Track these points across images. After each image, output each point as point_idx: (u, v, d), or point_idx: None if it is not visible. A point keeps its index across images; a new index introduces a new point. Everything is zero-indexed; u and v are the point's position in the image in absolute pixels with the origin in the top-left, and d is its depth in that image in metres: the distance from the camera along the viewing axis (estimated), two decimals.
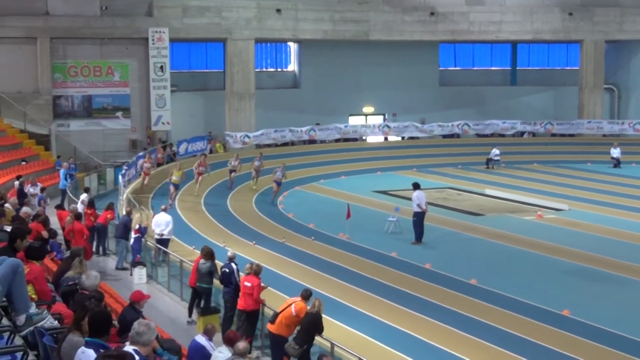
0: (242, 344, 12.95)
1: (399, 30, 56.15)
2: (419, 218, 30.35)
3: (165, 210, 27.79)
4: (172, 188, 35.42)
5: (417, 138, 59.21)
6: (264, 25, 52.83)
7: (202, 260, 20.15)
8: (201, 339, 14.38)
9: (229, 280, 19.19)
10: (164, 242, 25.68)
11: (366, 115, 61.10)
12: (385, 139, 59.30)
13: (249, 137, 52.83)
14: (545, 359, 18.29)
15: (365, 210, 36.10)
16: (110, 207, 28.68)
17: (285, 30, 53.87)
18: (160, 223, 26.15)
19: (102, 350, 7.79)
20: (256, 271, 18.25)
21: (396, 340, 19.56)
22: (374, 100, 60.00)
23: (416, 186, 31.13)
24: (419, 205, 30.14)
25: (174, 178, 35.26)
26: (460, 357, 18.42)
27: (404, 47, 58.70)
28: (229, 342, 13.55)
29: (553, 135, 61.73)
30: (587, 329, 20.35)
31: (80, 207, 28.14)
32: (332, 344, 15.26)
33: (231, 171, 40.72)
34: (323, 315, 16.19)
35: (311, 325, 15.77)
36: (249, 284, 18.03)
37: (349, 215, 30.92)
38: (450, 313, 21.76)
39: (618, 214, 36.61)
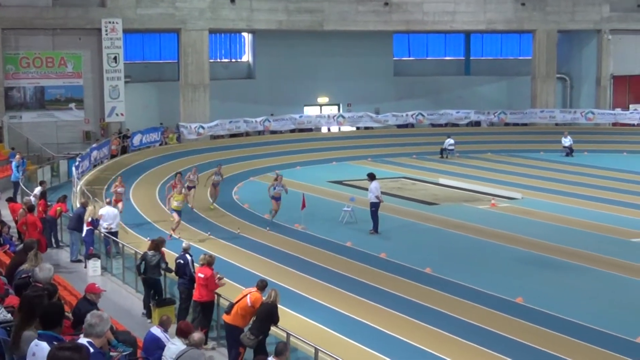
0: (197, 335, 12.99)
1: (353, 21, 56.43)
2: (376, 208, 30.73)
3: (115, 201, 27.91)
4: (174, 216, 28.72)
5: (372, 128, 59.65)
6: (218, 16, 52.91)
7: (150, 252, 20.10)
8: (156, 331, 14.39)
9: (184, 272, 19.16)
10: (112, 234, 25.55)
11: (321, 105, 61.34)
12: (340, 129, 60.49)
13: (203, 128, 52.76)
14: (500, 346, 18.53)
15: (320, 201, 36.18)
16: (62, 200, 28.32)
17: (240, 21, 53.92)
18: (108, 217, 26.00)
19: (55, 343, 7.70)
20: (209, 262, 18.24)
21: (352, 330, 19.69)
22: (329, 90, 60.26)
23: (372, 177, 31.46)
24: (377, 197, 30.51)
25: (175, 204, 28.79)
26: (415, 345, 18.64)
27: (359, 37, 58.96)
28: (182, 333, 13.58)
29: (506, 124, 62.24)
30: (540, 316, 20.61)
31: (33, 200, 27.58)
32: (288, 334, 15.30)
33: (190, 187, 33.78)
34: (279, 306, 16.17)
35: (267, 315, 15.82)
36: (202, 275, 18.05)
37: (304, 206, 30.98)
38: (405, 302, 21.93)
39: (571, 202, 37.12)
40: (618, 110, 63.52)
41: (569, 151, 53.63)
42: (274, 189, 31.18)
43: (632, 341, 18.73)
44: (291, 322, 17.99)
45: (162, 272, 20.37)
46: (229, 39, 59.55)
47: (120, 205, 29.70)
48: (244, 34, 59.33)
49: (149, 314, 19.99)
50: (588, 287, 23.72)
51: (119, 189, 31.10)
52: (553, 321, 20.24)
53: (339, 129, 60.41)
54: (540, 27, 60.50)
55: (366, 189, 32.23)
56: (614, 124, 62.91)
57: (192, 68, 52.24)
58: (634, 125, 61.95)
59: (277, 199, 31.23)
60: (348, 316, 20.81)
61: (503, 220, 33.41)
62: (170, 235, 27.23)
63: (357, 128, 60.37)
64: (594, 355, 18.35)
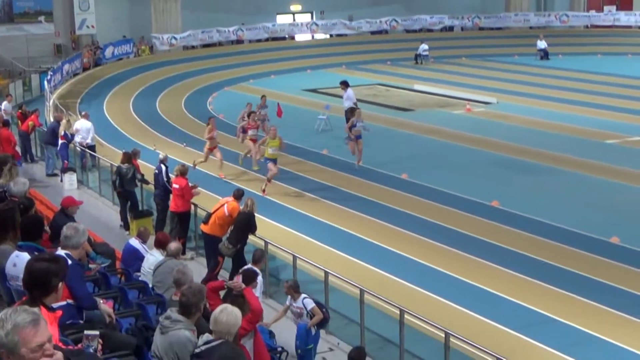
0: (173, 245, 13.07)
1: None
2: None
3: (86, 117, 26.94)
4: (270, 166, 23.02)
5: (345, 35, 59.64)
6: None
7: (124, 166, 20.20)
8: (135, 242, 14.52)
9: (159, 182, 19.40)
10: (89, 148, 25.57)
11: (294, 13, 60.94)
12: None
13: (175, 39, 52.43)
14: (475, 249, 18.83)
15: (295, 109, 36.19)
16: (33, 113, 28.06)
17: None
18: (83, 131, 25.84)
19: (36, 253, 7.78)
20: (182, 172, 18.38)
21: (328, 236, 19.95)
22: None
23: (346, 84, 31.41)
24: (355, 104, 30.44)
25: (270, 151, 23.05)
26: (390, 249, 18.91)
27: None
28: (159, 244, 13.69)
29: (481, 29, 62.35)
30: (516, 219, 20.98)
31: (4, 115, 27.66)
32: (266, 242, 15.47)
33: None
34: (256, 214, 16.38)
35: (244, 224, 15.98)
36: (177, 186, 18.20)
37: (280, 114, 31.05)
38: (380, 207, 22.23)
39: (546, 105, 37.44)
40: (592, 12, 63.90)
41: (544, 54, 53.86)
42: (354, 126, 25.41)
43: (607, 241, 19.02)
44: (269, 231, 18.15)
45: (138, 183, 20.47)
46: None
47: (218, 153, 24.78)
48: None
49: (126, 226, 20.16)
50: (563, 189, 24.09)
51: (214, 133, 25.19)
52: (529, 224, 20.48)
53: (313, 36, 60.12)
54: None
55: (341, 97, 32.33)
56: (588, 26, 63.11)
57: None
58: (608, 26, 62.17)
59: (358, 137, 25.57)
60: (325, 223, 21.06)
61: (478, 124, 33.71)
62: (265, 190, 22.24)
63: (331, 36, 60.15)
64: (569, 256, 18.58)
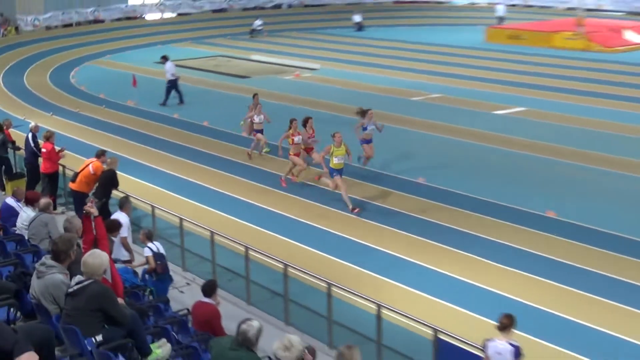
0: (43, 201, 12.79)
1: None
2: (171, 85, 30.28)
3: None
4: (332, 177, 17.05)
5: (190, 14, 58.57)
6: None
7: None
8: (10, 201, 14.18)
9: (29, 148, 18.97)
10: None
11: None
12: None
13: (39, 20, 50.45)
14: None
15: (148, 79, 35.50)
16: None
17: None
18: None
19: None
20: (47, 137, 18.07)
21: (183, 189, 19.82)
22: None
23: (165, 58, 31.17)
24: (172, 74, 30.24)
25: (335, 161, 16.90)
26: (236, 197, 18.91)
27: None
28: (29, 201, 13.41)
29: (305, 6, 62.22)
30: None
31: None
32: (127, 196, 15.02)
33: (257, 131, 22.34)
34: (117, 172, 16.21)
35: (108, 180, 15.86)
36: (45, 150, 17.97)
37: (134, 84, 30.59)
38: (222, 160, 22.15)
39: (362, 69, 38.10)
40: None
41: (359, 27, 54.26)
42: (364, 129, 19.89)
43: (403, 179, 19.66)
44: (130, 186, 17.99)
45: (10, 149, 19.94)
46: None
47: (316, 155, 19.11)
48: None
49: (2, 187, 19.62)
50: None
51: (296, 138, 18.96)
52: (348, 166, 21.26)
53: (161, 15, 58.83)
54: None
55: (188, 67, 32.25)
56: (395, 2, 63.88)
57: None
58: (411, 2, 63.02)
59: (368, 141, 20.07)
60: (179, 177, 20.94)
61: (305, 88, 33.97)
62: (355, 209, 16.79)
63: (178, 14, 59.04)
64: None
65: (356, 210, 17.06)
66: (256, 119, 21.73)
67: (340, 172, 17.40)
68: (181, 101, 30.94)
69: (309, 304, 12.92)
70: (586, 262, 14.63)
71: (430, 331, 10.15)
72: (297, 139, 19.31)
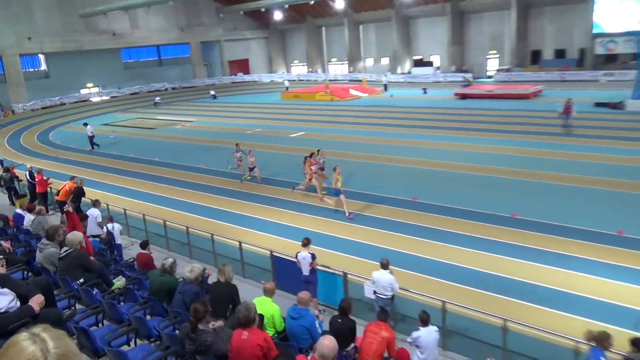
0: (37, 208, 14.40)
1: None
2: (91, 139, 33.18)
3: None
4: (342, 197, 18.50)
5: (118, 96, 64.39)
6: None
7: (5, 173, 21.13)
8: (19, 211, 15.58)
9: (28, 179, 21.15)
10: None
11: (89, 88, 62.67)
12: None
13: (26, 105, 54.57)
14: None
15: (98, 135, 38.54)
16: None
17: None
18: None
19: None
20: (38, 171, 19.31)
21: (133, 194, 21.82)
22: None
23: (86, 124, 34.25)
24: (91, 132, 33.18)
25: (339, 184, 18.51)
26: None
27: None
28: (30, 210, 14.58)
29: (183, 87, 69.72)
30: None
31: None
32: (97, 199, 15.59)
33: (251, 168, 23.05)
34: (84, 187, 17.85)
35: (78, 193, 17.15)
36: (37, 179, 19.66)
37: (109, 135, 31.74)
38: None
39: (218, 119, 42.97)
40: (239, 75, 70.82)
41: (214, 97, 61.47)
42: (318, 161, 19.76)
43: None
44: (96, 194, 19.80)
45: (15, 181, 21.93)
46: None
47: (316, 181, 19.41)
48: None
49: (13, 203, 20.55)
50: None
51: (310, 168, 19.95)
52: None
53: (101, 98, 64.07)
54: (193, 40, 68.39)
55: (121, 126, 36.85)
56: (233, 83, 72.14)
57: None
58: (241, 82, 71.13)
59: (322, 169, 20.40)
60: (122, 187, 23.45)
61: (189, 132, 38.57)
62: (350, 214, 18.01)
63: (111, 97, 64.58)
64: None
65: (351, 217, 16.91)
66: (251, 159, 22.04)
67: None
68: (92, 148, 32.97)
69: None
70: None
71: None
72: (314, 167, 19.26)
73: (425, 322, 8.20)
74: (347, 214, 17.34)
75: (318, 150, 20.26)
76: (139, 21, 63.39)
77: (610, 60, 51.69)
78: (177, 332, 7.07)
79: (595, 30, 51.13)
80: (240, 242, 12.86)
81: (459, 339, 9.88)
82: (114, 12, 56.76)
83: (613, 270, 12.32)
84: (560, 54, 55.98)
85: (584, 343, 7.34)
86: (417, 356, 8.21)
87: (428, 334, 8.16)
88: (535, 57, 56.77)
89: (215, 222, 17.20)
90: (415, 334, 8.19)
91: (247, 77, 72.35)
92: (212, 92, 63.13)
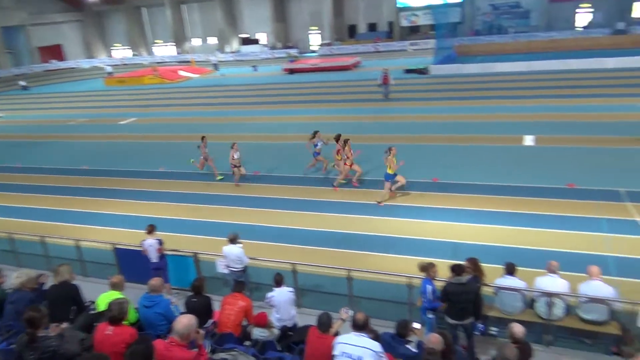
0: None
1: None
2: None
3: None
4: (398, 178, 17.16)
5: None
6: None
7: None
8: None
9: None
10: None
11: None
12: None
13: None
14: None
15: None
16: None
17: None
18: None
19: None
20: None
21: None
22: None
23: None
24: None
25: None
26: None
27: None
28: None
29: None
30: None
31: None
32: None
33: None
34: None
35: None
36: None
37: None
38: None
39: (35, 111, 40.35)
40: (52, 62, 66.92)
41: (25, 88, 57.37)
42: (315, 145, 19.74)
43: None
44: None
45: None
46: None
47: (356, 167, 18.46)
48: None
49: None
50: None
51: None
52: None
53: None
54: None
55: None
56: (46, 71, 68.87)
57: None
58: (55, 70, 67.85)
59: (318, 154, 19.77)
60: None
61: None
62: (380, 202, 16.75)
63: None
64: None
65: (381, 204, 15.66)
66: (235, 156, 18.82)
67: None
68: None
69: None
70: None
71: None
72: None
73: (278, 282, 8.85)
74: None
75: (315, 132, 19.46)
76: None
77: (414, 31, 60.67)
78: (13, 346, 6.62)
79: (399, 4, 59.96)
80: (76, 240, 12.67)
81: (313, 295, 10.91)
82: None
83: (430, 213, 15.22)
84: (372, 27, 62.69)
85: (416, 277, 9.08)
86: (274, 316, 8.74)
87: (281, 294, 8.73)
88: (352, 31, 63.01)
89: (45, 223, 16.92)
90: (269, 294, 8.75)
91: (62, 64, 68.50)
92: (22, 83, 58.21)
